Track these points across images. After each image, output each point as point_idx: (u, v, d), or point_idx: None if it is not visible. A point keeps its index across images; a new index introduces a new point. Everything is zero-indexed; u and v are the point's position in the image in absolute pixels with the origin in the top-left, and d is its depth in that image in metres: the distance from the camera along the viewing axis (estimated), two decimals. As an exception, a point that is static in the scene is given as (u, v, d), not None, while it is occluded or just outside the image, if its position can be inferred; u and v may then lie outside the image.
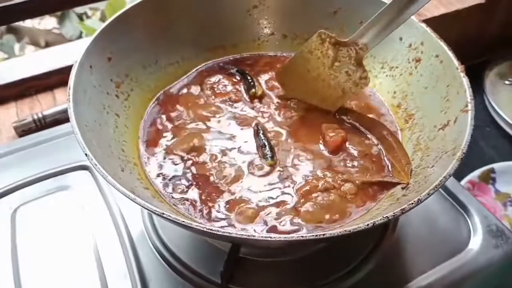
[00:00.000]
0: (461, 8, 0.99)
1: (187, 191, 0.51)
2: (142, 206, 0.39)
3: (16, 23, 1.61)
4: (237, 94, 0.61)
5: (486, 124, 1.00)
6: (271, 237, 0.36)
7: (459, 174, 0.89)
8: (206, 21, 0.66)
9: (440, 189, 0.62)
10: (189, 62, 0.66)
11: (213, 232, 0.38)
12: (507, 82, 1.06)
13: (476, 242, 0.57)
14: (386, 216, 0.38)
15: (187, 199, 0.50)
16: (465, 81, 0.50)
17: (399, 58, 0.61)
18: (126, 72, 0.59)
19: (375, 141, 0.56)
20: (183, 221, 0.37)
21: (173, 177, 0.52)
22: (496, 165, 0.90)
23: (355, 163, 0.53)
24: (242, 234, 0.37)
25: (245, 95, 0.61)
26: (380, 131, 0.57)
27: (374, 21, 0.53)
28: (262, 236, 0.37)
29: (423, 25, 0.58)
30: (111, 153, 0.49)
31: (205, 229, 0.38)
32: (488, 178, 0.89)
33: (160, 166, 0.53)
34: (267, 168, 0.52)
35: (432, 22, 0.58)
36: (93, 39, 0.55)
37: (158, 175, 0.52)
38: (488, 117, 1.00)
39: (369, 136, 0.56)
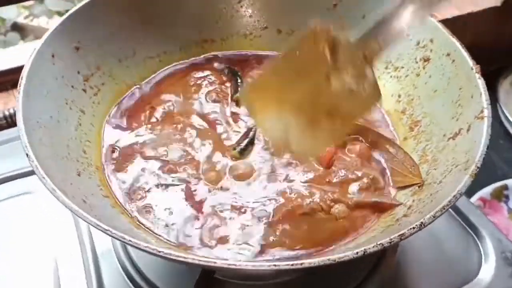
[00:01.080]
0: (475, 10, 0.92)
1: (151, 202, 0.44)
2: (84, 220, 0.32)
3: (23, 21, 1.56)
4: (219, 94, 0.54)
5: (499, 136, 0.92)
6: (236, 265, 0.29)
7: (469, 190, 0.81)
8: (193, 11, 0.60)
9: (450, 209, 0.55)
10: (172, 56, 0.59)
11: (175, 258, 0.30)
12: (522, 92, 0.99)
13: (488, 270, 0.49)
14: (381, 243, 0.31)
15: (150, 210, 0.43)
16: (481, 83, 0.43)
17: (405, 57, 0.54)
18: (97, 64, 0.53)
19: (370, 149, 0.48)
20: (130, 240, 0.31)
21: (136, 184, 0.45)
22: (509, 181, 0.82)
23: (353, 176, 0.45)
24: (209, 261, 0.30)
25: (229, 97, 0.55)
26: (369, 136, 0.49)
27: (390, 11, 0.37)
28: (228, 264, 0.30)
29: (434, 20, 0.51)
30: (67, 154, 0.43)
31: (162, 254, 0.31)
32: (501, 196, 0.81)
33: (121, 171, 0.46)
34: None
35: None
36: (58, 25, 0.49)
37: (118, 181, 0.45)
38: (502, 129, 0.93)
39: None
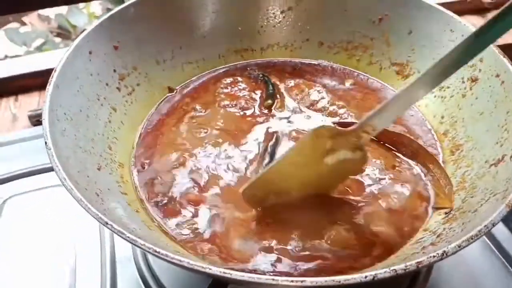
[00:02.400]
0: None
1: (174, 207, 0.43)
2: (87, 211, 0.32)
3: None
4: (247, 102, 0.53)
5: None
6: (231, 274, 0.28)
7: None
8: (236, 20, 0.60)
9: (490, 244, 0.50)
10: (210, 63, 0.59)
11: (183, 265, 0.29)
12: None
13: (531, 318, 0.44)
14: (394, 269, 0.28)
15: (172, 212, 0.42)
16: (531, 107, 0.39)
17: (452, 76, 0.50)
18: (134, 65, 0.53)
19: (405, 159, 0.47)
20: (128, 236, 0.30)
21: (159, 187, 0.45)
22: None
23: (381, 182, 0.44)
24: (220, 270, 0.28)
25: (257, 105, 0.53)
26: (409, 146, 0.47)
27: (389, 104, 0.38)
28: (224, 273, 0.28)
29: (485, 37, 0.47)
30: (91, 148, 0.43)
31: (173, 260, 0.29)
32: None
33: (149, 173, 0.46)
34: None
35: (503, 50, 0.47)
36: (99, 23, 0.50)
37: (145, 183, 0.45)
38: None
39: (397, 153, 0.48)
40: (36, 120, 0.71)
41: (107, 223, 0.31)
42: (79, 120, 0.44)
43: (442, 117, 0.50)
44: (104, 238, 0.52)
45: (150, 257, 0.49)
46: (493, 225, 0.31)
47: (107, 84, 0.50)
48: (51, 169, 0.59)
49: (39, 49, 1.52)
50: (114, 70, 0.51)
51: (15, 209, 0.56)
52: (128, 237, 0.29)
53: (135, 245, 0.29)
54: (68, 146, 0.39)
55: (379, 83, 0.57)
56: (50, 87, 0.42)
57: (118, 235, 0.30)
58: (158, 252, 0.29)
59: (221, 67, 0.59)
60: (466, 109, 0.48)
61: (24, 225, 0.54)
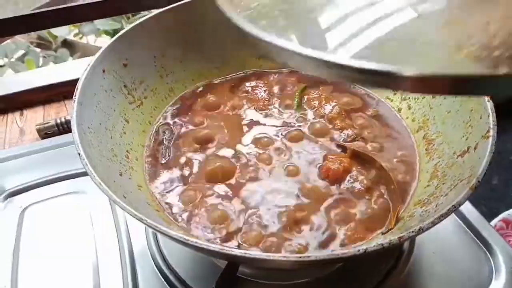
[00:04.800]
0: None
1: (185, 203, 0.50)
2: (124, 209, 0.38)
3: (73, 39, 1.69)
4: (265, 103, 0.60)
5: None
6: (248, 254, 0.34)
7: (492, 211, 0.82)
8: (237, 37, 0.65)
9: (462, 223, 0.58)
10: (211, 73, 0.66)
11: (198, 245, 0.35)
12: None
13: (498, 285, 0.51)
14: (381, 244, 0.35)
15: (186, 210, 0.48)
16: (489, 105, 0.46)
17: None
18: (141, 79, 0.59)
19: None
20: (163, 230, 0.36)
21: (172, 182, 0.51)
22: (535, 205, 0.83)
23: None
24: (241, 252, 0.34)
25: (277, 105, 0.60)
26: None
27: None
28: (244, 253, 0.34)
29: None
30: (113, 156, 0.49)
31: (202, 246, 0.35)
32: (525, 218, 0.82)
33: (161, 173, 0.53)
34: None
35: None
36: (109, 44, 0.55)
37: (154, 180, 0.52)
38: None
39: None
40: (44, 133, 0.76)
41: (141, 219, 0.37)
42: (100, 133, 0.50)
43: (415, 115, 0.58)
44: (121, 236, 0.57)
45: (164, 249, 0.54)
46: (460, 204, 0.38)
47: (119, 99, 0.56)
48: (63, 179, 0.66)
49: (21, 60, 1.55)
50: (125, 86, 0.57)
51: (35, 216, 0.61)
52: (164, 230, 0.35)
53: (168, 235, 0.36)
54: (95, 156, 0.45)
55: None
56: (75, 104, 0.47)
57: (154, 229, 0.36)
58: (188, 240, 0.35)
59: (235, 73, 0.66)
60: (436, 108, 0.55)
61: (45, 231, 0.59)
